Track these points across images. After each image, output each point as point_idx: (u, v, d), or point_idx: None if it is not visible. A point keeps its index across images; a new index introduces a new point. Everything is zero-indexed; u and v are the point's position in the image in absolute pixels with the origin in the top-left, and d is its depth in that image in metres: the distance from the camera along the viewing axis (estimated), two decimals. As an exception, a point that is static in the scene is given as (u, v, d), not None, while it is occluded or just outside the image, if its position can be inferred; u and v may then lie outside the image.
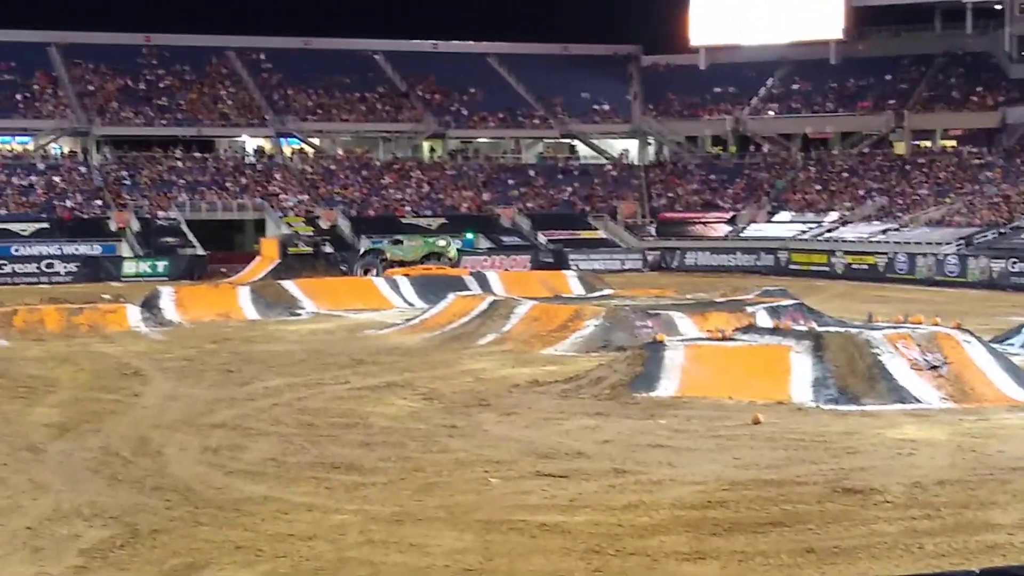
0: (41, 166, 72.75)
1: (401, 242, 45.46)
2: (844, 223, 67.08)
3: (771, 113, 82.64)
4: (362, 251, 45.81)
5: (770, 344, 21.87)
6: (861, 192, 71.89)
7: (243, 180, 73.72)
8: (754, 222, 70.63)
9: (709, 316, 28.40)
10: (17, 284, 55.26)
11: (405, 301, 40.20)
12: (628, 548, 11.60)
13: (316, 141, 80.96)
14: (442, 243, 45.75)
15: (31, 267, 58.38)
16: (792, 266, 60.59)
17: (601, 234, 70.91)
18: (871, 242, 61.98)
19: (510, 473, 14.83)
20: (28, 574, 11.06)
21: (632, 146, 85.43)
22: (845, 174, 74.80)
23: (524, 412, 19.15)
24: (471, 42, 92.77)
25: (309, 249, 56.74)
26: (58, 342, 30.33)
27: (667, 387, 20.46)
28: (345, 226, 68.25)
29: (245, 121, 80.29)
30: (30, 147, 76.09)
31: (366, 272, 42.36)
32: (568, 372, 22.90)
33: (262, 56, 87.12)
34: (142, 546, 11.83)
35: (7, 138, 76.91)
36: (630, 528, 12.27)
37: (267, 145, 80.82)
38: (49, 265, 58.32)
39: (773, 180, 76.24)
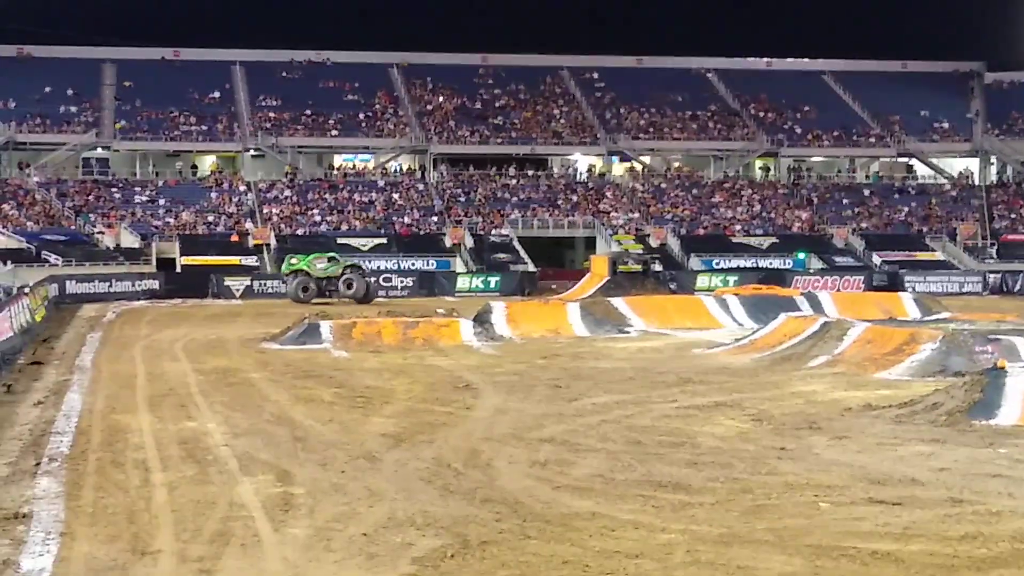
0: (381, 183, 75.33)
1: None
2: None
3: (1124, 131, 78.98)
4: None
5: (1121, 373, 20.79)
6: None
7: (574, 198, 74.65)
8: (1105, 245, 67.58)
9: (1054, 342, 27.17)
10: (357, 298, 57.13)
11: (734, 320, 39.87)
12: (965, 581, 11.16)
13: (647, 159, 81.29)
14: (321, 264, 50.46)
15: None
16: None
17: (939, 256, 69.03)
18: None
19: (841, 498, 14.46)
20: (363, 580, 11.35)
21: (973, 165, 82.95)
22: None
23: (856, 436, 18.67)
24: (806, 59, 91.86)
25: (639, 267, 57.04)
26: (394, 354, 31.16)
27: (1008, 415, 19.59)
28: (674, 244, 68.34)
29: (577, 139, 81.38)
30: (371, 165, 78.86)
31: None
32: (902, 396, 22.22)
33: (595, 75, 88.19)
34: (471, 557, 11.98)
35: (350, 156, 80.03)
36: (967, 560, 11.78)
37: (598, 163, 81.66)
38: (387, 279, 60.15)
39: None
